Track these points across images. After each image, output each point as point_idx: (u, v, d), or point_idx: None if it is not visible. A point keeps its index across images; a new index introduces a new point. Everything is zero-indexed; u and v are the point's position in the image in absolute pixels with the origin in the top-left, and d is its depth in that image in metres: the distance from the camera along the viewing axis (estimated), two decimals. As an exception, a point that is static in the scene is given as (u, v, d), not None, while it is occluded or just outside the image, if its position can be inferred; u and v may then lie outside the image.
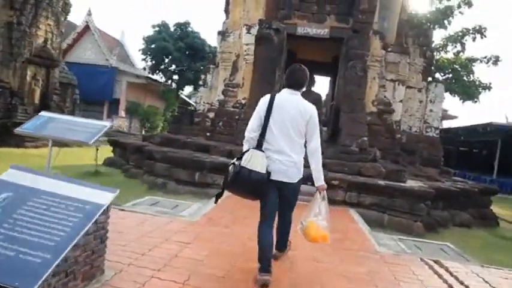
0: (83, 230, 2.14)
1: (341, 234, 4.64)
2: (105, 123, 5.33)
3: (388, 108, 9.52)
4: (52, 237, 2.06)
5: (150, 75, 28.72)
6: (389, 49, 9.67)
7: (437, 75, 21.32)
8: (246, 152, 2.87)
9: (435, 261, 3.80)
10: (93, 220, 2.23)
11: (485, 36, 21.35)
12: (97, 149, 9.30)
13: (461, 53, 22.10)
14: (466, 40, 21.58)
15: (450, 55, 22.51)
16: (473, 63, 21.96)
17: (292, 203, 3.12)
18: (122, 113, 26.45)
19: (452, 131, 22.50)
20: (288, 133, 2.90)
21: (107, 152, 11.16)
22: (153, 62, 29.31)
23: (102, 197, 2.39)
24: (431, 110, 10.41)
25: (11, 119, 12.61)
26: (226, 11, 11.26)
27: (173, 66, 29.61)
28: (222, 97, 9.89)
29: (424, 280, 3.29)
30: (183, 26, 29.78)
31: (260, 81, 8.53)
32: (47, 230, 2.10)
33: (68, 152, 11.79)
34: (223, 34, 10.53)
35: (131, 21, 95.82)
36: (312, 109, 2.98)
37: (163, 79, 30.06)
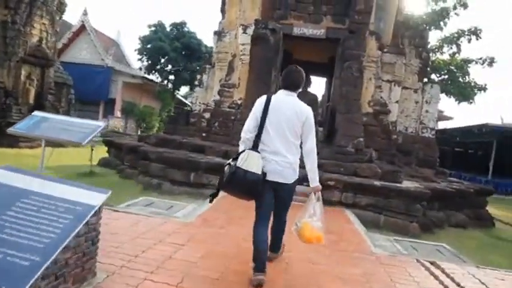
0: (74, 232, 2.09)
1: (337, 235, 4.62)
2: (99, 124, 5.28)
3: (384, 109, 9.51)
4: (41, 239, 2.01)
5: (146, 75, 28.61)
6: (385, 50, 9.67)
7: (433, 76, 21.42)
8: (241, 152, 2.87)
9: (431, 263, 3.78)
10: (84, 222, 2.18)
11: (480, 38, 21.45)
12: (92, 150, 9.23)
13: (456, 54, 22.20)
14: (461, 41, 21.69)
15: (446, 56, 22.61)
16: (469, 65, 22.06)
17: (287, 204, 3.12)
18: (118, 113, 26.32)
19: (447, 131, 22.58)
20: (283, 134, 2.91)
21: (102, 152, 11.10)
22: (149, 62, 29.20)
23: (94, 198, 2.34)
24: (427, 111, 10.41)
25: (5, 119, 12.49)
26: (223, 11, 11.21)
27: (169, 67, 29.51)
28: (217, 97, 9.85)
29: (420, 282, 3.27)
30: (179, 26, 29.69)
31: (256, 82, 8.49)
32: (36, 232, 2.05)
33: (62, 152, 11.71)
34: (219, 34, 10.49)
35: (127, 21, 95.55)
36: (308, 111, 2.99)
37: (160, 79, 29.95)
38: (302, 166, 3.04)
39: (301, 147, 3.03)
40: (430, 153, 9.99)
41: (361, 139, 8.00)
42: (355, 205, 6.46)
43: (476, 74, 52.25)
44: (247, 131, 2.96)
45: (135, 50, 29.50)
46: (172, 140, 9.05)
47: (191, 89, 27.48)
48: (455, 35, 21.68)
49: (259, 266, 2.83)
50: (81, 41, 25.70)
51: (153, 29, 29.29)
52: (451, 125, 25.45)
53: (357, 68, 8.48)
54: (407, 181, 7.49)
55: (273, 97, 3.00)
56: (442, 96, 19.82)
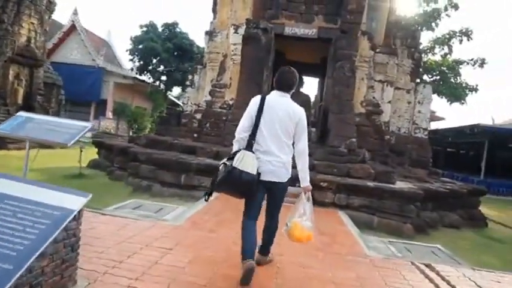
0: (50, 238, 1.97)
1: (329, 237, 4.53)
2: (86, 124, 5.11)
3: (376, 109, 9.47)
4: (15, 247, 1.88)
5: (138, 76, 28.35)
6: (377, 50, 9.63)
7: (425, 77, 21.53)
8: (237, 152, 2.89)
9: (426, 265, 3.70)
10: (62, 227, 2.05)
11: (471, 39, 21.63)
12: (81, 151, 9.06)
13: (448, 55, 22.36)
14: (453, 42, 21.85)
15: (438, 57, 22.77)
16: (460, 66, 22.23)
17: (279, 203, 3.14)
18: (109, 114, 26.03)
19: (439, 132, 22.69)
20: (276, 134, 2.95)
21: (92, 153, 10.91)
22: (141, 62, 28.93)
23: (73, 202, 2.21)
24: (419, 111, 10.39)
25: (-8, 120, 12.24)
26: (214, 11, 11.11)
27: (161, 67, 29.28)
28: (209, 98, 9.73)
29: (415, 285, 3.19)
30: (171, 27, 29.48)
31: (247, 82, 8.40)
32: (9, 239, 1.91)
33: (52, 154, 11.51)
34: (210, 34, 10.38)
35: (118, 21, 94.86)
36: (301, 112, 3.04)
37: (151, 80, 29.70)
38: (294, 166, 3.06)
39: (293, 147, 3.07)
40: (423, 153, 9.96)
41: (354, 139, 7.94)
42: (348, 206, 6.39)
43: (467, 75, 52.74)
44: (242, 130, 2.99)
45: (127, 51, 29.23)
46: (163, 141, 8.91)
47: (183, 90, 27.26)
48: (447, 36, 21.84)
49: (248, 253, 2.83)
50: (71, 41, 25.38)
51: (144, 29, 29.05)
52: (443, 125, 25.62)
53: (349, 67, 8.42)
54: (400, 182, 7.44)
55: (267, 97, 3.04)
56: (434, 96, 19.94)
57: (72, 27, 25.13)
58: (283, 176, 3.00)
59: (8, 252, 1.84)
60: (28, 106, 13.97)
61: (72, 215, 2.14)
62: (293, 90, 3.15)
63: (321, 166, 7.13)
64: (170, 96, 31.68)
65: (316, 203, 6.11)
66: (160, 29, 29.49)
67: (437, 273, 3.45)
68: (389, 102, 9.91)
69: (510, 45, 71.11)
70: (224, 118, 8.95)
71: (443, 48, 22.25)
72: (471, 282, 3.31)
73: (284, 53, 11.13)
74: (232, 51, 9.33)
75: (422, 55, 17.86)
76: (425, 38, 22.56)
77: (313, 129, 9.87)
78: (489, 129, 18.44)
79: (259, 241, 3.14)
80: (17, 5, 13.21)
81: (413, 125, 10.38)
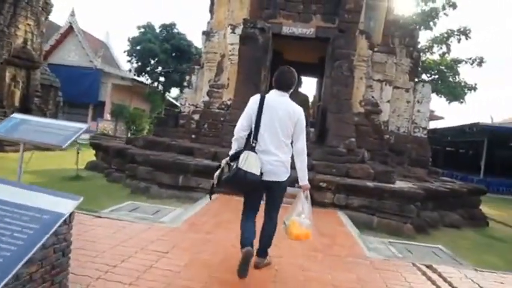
0: (38, 244, 1.89)
1: (329, 238, 4.46)
2: (81, 126, 5.04)
3: (375, 109, 9.41)
4: (1, 253, 1.80)
5: (136, 77, 28.26)
6: (375, 49, 9.57)
7: (423, 76, 21.50)
8: (240, 152, 2.94)
9: (427, 266, 3.63)
10: (51, 232, 1.97)
11: (469, 38, 21.62)
12: (78, 153, 8.97)
13: (446, 54, 22.34)
14: (451, 41, 21.83)
15: (436, 56, 22.75)
16: (459, 65, 22.20)
17: (278, 202, 3.16)
18: (107, 116, 25.93)
19: (438, 131, 22.64)
20: (276, 133, 2.98)
21: (89, 155, 10.83)
22: (139, 63, 28.83)
23: (64, 205, 2.14)
24: (418, 111, 10.33)
25: (-11, 123, 12.13)
26: (211, 11, 11.04)
27: (159, 68, 29.19)
28: (207, 98, 9.65)
29: (417, 287, 3.12)
30: (168, 28, 29.38)
31: (245, 82, 8.33)
32: (-4, 244, 1.84)
33: (48, 155, 11.43)
34: (207, 34, 10.30)
35: (116, 22, 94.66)
36: (300, 111, 3.07)
37: (150, 81, 29.61)
38: (293, 167, 3.10)
39: (292, 146, 3.10)
40: (423, 152, 9.89)
41: (353, 139, 7.87)
42: (347, 206, 6.32)
43: (466, 74, 52.76)
44: (241, 129, 3.03)
45: (124, 52, 29.15)
46: (160, 142, 8.83)
47: (181, 91, 27.22)
48: (445, 35, 21.82)
49: (247, 242, 2.93)
50: (69, 42, 25.28)
51: (142, 30, 28.94)
52: (442, 124, 25.60)
53: (347, 67, 8.36)
54: (400, 181, 7.37)
55: (267, 96, 3.08)
56: (433, 96, 19.85)
57: (70, 29, 25.03)
58: (282, 175, 3.02)
59: (-6, 259, 1.77)
60: (25, 108, 13.90)
61: (62, 219, 2.06)
62: (292, 90, 3.18)
63: (320, 166, 7.06)
64: (168, 98, 31.62)
65: (315, 203, 6.07)
66: (158, 30, 29.40)
67: (439, 275, 3.38)
68: (388, 101, 9.84)
69: (508, 44, 71.21)
70: (222, 119, 8.87)
71: (441, 48, 22.24)
72: (474, 284, 3.24)
73: (282, 52, 11.06)
74: (230, 51, 9.27)
75: (421, 54, 17.85)
76: (424, 37, 22.59)
77: (312, 129, 9.80)
78: (488, 128, 18.41)
79: (256, 244, 3.12)
80: (13, 6, 13.14)
81: (413, 124, 10.31)
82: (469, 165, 21.69)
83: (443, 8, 21.51)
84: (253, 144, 2.96)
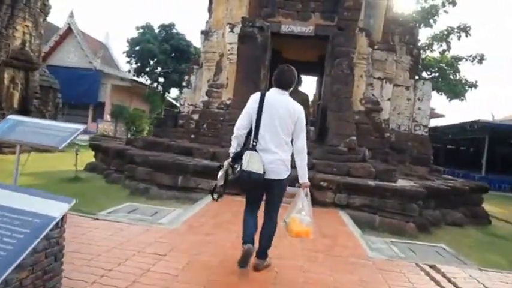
0: (28, 249, 1.82)
1: (331, 239, 4.38)
2: (77, 127, 4.98)
3: (376, 107, 9.33)
4: (-10, 258, 1.74)
5: (135, 78, 28.21)
6: (375, 47, 9.49)
7: (423, 74, 21.42)
8: (241, 152, 2.96)
9: (431, 266, 3.55)
10: (42, 236, 1.90)
11: (470, 35, 21.55)
12: (76, 154, 8.91)
13: (446, 52, 22.25)
14: (451, 39, 21.75)
15: (436, 54, 22.67)
16: (459, 62, 22.12)
17: (278, 200, 3.15)
18: (107, 117, 25.90)
19: (439, 129, 22.55)
20: (276, 132, 2.99)
21: (89, 156, 10.77)
22: (138, 64, 28.79)
23: (55, 208, 2.07)
24: (419, 108, 10.25)
25: (-12, 125, 12.06)
26: (210, 10, 10.96)
27: (159, 69, 29.13)
28: (206, 98, 9.59)
29: (421, 288, 3.05)
30: (167, 28, 29.33)
31: (244, 81, 8.25)
32: (-16, 250, 1.78)
33: (47, 157, 11.37)
34: (206, 34, 10.23)
35: (115, 23, 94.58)
36: (300, 110, 3.08)
37: (149, 82, 29.56)
38: (294, 166, 3.10)
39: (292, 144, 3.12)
40: (424, 150, 9.81)
41: (354, 137, 7.79)
42: (349, 206, 6.24)
43: (466, 71, 52.63)
44: (241, 127, 3.05)
45: (124, 53, 29.11)
46: (160, 142, 8.77)
47: (181, 91, 27.18)
48: (445, 32, 21.74)
49: (247, 239, 3.01)
50: (68, 44, 25.26)
51: (141, 31, 28.90)
52: (443, 122, 25.50)
53: (347, 65, 8.28)
54: (402, 180, 7.29)
55: (267, 94, 3.09)
56: (433, 93, 19.77)
57: (69, 30, 25.01)
58: (282, 173, 3.03)
59: (-18, 265, 1.70)
60: (24, 110, 13.83)
61: (54, 223, 1.99)
62: (292, 88, 3.19)
63: (321, 165, 6.98)
64: (168, 98, 31.57)
65: (316, 203, 6.01)
66: (157, 31, 29.36)
67: (443, 275, 3.31)
68: (389, 99, 9.77)
69: (509, 40, 71.05)
70: (221, 118, 8.80)
71: (441, 45, 22.16)
72: (479, 284, 3.17)
73: (281, 51, 10.99)
74: (229, 50, 9.19)
75: (421, 52, 17.77)
76: (424, 35, 22.49)
77: (312, 128, 9.73)
78: (489, 126, 18.33)
79: (256, 245, 3.10)
80: (11, 7, 13.05)
81: (414, 122, 10.23)
82: (470, 162, 21.60)
83: (443, 5, 21.44)
84: (254, 143, 2.97)
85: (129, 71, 28.80)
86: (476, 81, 21.79)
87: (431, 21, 21.70)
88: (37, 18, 14.43)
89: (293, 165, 3.11)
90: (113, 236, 3.67)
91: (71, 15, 24.68)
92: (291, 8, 9.09)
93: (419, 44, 15.95)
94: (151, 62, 28.71)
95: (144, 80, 29.32)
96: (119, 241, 3.48)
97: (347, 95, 8.24)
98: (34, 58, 14.47)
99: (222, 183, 3.02)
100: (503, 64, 74.01)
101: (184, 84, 11.25)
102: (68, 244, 3.17)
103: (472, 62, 21.81)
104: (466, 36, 21.40)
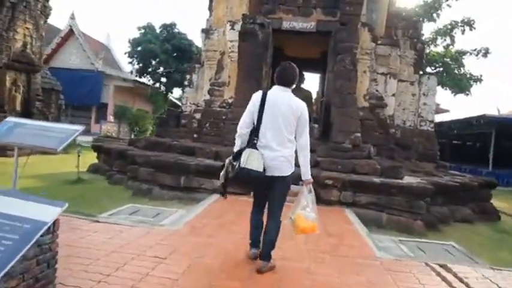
0: (17, 256, 1.73)
1: (337, 238, 4.26)
2: (76, 128, 4.89)
3: (380, 103, 9.19)
4: (-24, 267, 1.64)
5: (138, 79, 28.17)
6: (379, 42, 9.33)
7: (427, 69, 21.17)
8: (242, 150, 2.95)
9: (441, 266, 3.42)
10: (31, 242, 1.81)
11: (474, 28, 21.26)
12: (78, 156, 8.83)
13: (450, 46, 21.99)
14: (455, 33, 21.49)
15: (440, 48, 22.42)
16: (463, 56, 21.85)
17: (281, 198, 3.12)
18: (110, 118, 25.90)
19: (445, 124, 22.30)
20: (279, 129, 2.99)
21: (92, 158, 10.71)
22: (140, 64, 28.74)
23: (46, 212, 1.97)
24: (424, 103, 10.08)
25: (-10, 128, 12.03)
26: (210, 8, 10.86)
27: (161, 69, 29.08)
28: (208, 97, 9.49)
29: (432, 289, 2.93)
30: (169, 28, 29.24)
31: (246, 79, 8.14)
32: (-29, 258, 1.68)
33: (50, 159, 11.33)
34: (207, 32, 10.12)
35: (116, 24, 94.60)
36: (303, 106, 3.08)
37: (151, 82, 29.51)
38: (297, 164, 3.09)
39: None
40: (430, 146, 9.65)
41: (358, 134, 7.65)
42: (354, 204, 6.12)
43: (471, 65, 52.15)
44: (244, 126, 3.06)
45: (125, 53, 29.06)
46: (162, 142, 8.68)
47: (183, 91, 27.11)
48: (449, 26, 21.48)
49: (253, 243, 3.20)
50: (69, 45, 25.25)
51: (142, 31, 28.84)
52: (448, 117, 25.24)
53: (350, 60, 8.13)
54: (408, 176, 7.15)
55: (269, 92, 3.10)
56: (438, 88, 19.56)
57: (70, 32, 25.00)
58: (285, 170, 3.02)
59: (-32, 275, 1.60)
60: (27, 112, 13.81)
61: (44, 228, 1.90)
62: (294, 85, 3.19)
63: (325, 163, 6.86)
64: (171, 98, 31.49)
65: (321, 201, 5.88)
66: (158, 30, 29.28)
67: (455, 275, 3.18)
68: (393, 95, 9.62)
69: (512, 34, 70.28)
70: (224, 117, 8.70)
71: (445, 39, 21.90)
72: (492, 284, 3.04)
73: (283, 48, 10.86)
74: (230, 48, 9.08)
75: (425, 47, 17.56)
76: (427, 30, 22.22)
77: (316, 126, 9.60)
78: (495, 120, 18.09)
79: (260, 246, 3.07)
80: (12, 10, 13.02)
81: (419, 118, 10.07)
82: (477, 157, 21.34)
83: (446, -1, 21.17)
84: (255, 141, 2.98)
85: (131, 72, 28.78)
86: (481, 76, 21.55)
87: (434, 15, 21.45)
88: (38, 20, 14.39)
89: (297, 164, 3.08)
90: (113, 239, 3.57)
91: (72, 17, 24.66)
92: (292, 3, 8.95)
93: (423, 38, 15.76)
94: (153, 62, 28.65)
95: (146, 80, 29.28)
96: (118, 244, 3.39)
97: (350, 91, 8.10)
98: (35, 60, 14.44)
99: (223, 181, 3.03)
100: (509, 57, 73.30)
101: (186, 83, 11.16)
102: (66, 248, 3.09)
103: (476, 56, 21.55)
104: (470, 29, 21.14)
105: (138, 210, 5.40)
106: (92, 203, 6.09)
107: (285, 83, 3.12)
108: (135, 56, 28.58)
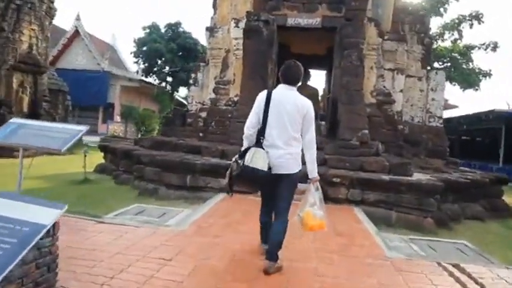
0: (15, 260, 1.67)
1: (345, 237, 4.17)
2: (80, 128, 4.86)
3: (388, 99, 9.05)
4: (-28, 273, 1.59)
5: (144, 78, 28.24)
6: (385, 37, 9.19)
7: (435, 64, 20.89)
8: (247, 149, 2.97)
9: (454, 266, 3.32)
10: (30, 246, 1.75)
11: (482, 22, 20.94)
12: (85, 156, 8.83)
13: (458, 41, 21.68)
14: (463, 27, 21.18)
15: (448, 43, 22.11)
16: (472, 51, 21.53)
17: (288, 197, 3.09)
18: (117, 118, 26.02)
19: (453, 120, 21.99)
20: (285, 128, 3.00)
21: (99, 158, 10.72)
22: (146, 64, 28.83)
23: (46, 215, 1.92)
24: (433, 99, 9.92)
25: None
26: (214, 6, 10.80)
27: (166, 68, 29.12)
28: (213, 95, 9.43)
29: (445, 291, 2.83)
30: (174, 27, 29.29)
31: (251, 76, 8.05)
32: (-32, 263, 1.63)
33: (57, 159, 11.38)
34: (211, 30, 10.06)
35: (122, 24, 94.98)
36: (308, 104, 3.08)
37: (157, 81, 29.58)
38: (304, 162, 3.10)
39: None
40: (439, 142, 9.49)
41: (366, 131, 7.53)
42: (363, 202, 6.01)
43: (479, 60, 51.42)
44: (250, 126, 3.08)
45: (131, 53, 29.18)
46: (167, 141, 8.64)
47: (189, 90, 27.10)
48: (456, 20, 21.17)
49: (263, 239, 3.26)
50: (75, 46, 25.40)
51: (147, 30, 28.92)
52: (456, 113, 24.90)
53: (356, 56, 8.00)
54: (417, 173, 7.02)
55: (273, 92, 3.11)
56: (446, 84, 19.30)
57: (76, 33, 25.14)
58: (292, 168, 3.03)
59: (-37, 280, 1.55)
60: (34, 113, 13.87)
61: (44, 231, 1.84)
62: (299, 83, 3.22)
63: (333, 160, 6.76)
64: (177, 97, 31.55)
65: (329, 199, 5.80)
66: (163, 30, 29.35)
67: (469, 276, 3.07)
68: (401, 90, 9.47)
69: (521, 28, 69.16)
70: (229, 115, 8.62)
71: (453, 34, 21.59)
72: (509, 285, 2.92)
73: (288, 45, 10.75)
74: (234, 46, 9.01)
75: (432, 41, 17.31)
76: (434, 25, 21.91)
77: (323, 123, 9.49)
78: (505, 115, 17.76)
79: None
80: (17, 12, 13.08)
81: (427, 114, 9.91)
82: (486, 153, 21.00)
83: (453, -8, 20.87)
84: (261, 140, 3.00)
85: (137, 72, 28.87)
86: (490, 70, 21.21)
87: (441, 10, 21.16)
88: (43, 22, 14.44)
89: (304, 162, 3.08)
90: (117, 240, 3.52)
91: (78, 18, 24.78)
92: (297, 0, 8.84)
93: (430, 33, 15.53)
94: (159, 62, 28.73)
95: (152, 79, 29.38)
96: (123, 245, 3.33)
97: (357, 88, 7.98)
98: (41, 61, 14.49)
99: (228, 179, 3.05)
100: (518, 51, 72.10)
101: (191, 82, 11.11)
102: (70, 250, 3.05)
103: (485, 50, 21.21)
104: (479, 23, 20.81)
105: (144, 210, 5.35)
106: (98, 203, 6.07)
107: (290, 81, 3.13)
108: (141, 55, 28.68)
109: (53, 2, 15.03)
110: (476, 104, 61.50)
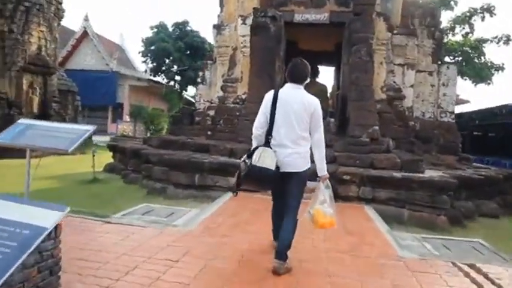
0: (15, 264, 1.62)
1: (356, 236, 4.07)
2: (87, 128, 4.84)
3: (398, 95, 8.89)
4: (-29, 278, 1.55)
5: (152, 78, 28.34)
6: (395, 31, 9.02)
7: (446, 58, 20.53)
8: (255, 149, 2.97)
9: (470, 266, 3.20)
10: (31, 249, 1.70)
11: (494, 15, 20.51)
12: (93, 155, 8.86)
13: (470, 34, 21.28)
14: (474, 20, 20.79)
15: (459, 37, 21.71)
16: (484, 44, 21.11)
17: (297, 195, 3.07)
18: (126, 117, 26.14)
19: (465, 115, 21.63)
20: (292, 127, 2.99)
21: (108, 157, 10.76)
22: (154, 63, 28.90)
23: (47, 217, 1.87)
24: (444, 94, 9.71)
25: (9, 130, 12.22)
26: (221, 3, 10.72)
27: (175, 67, 29.17)
28: (221, 93, 9.37)
29: (461, 292, 2.72)
30: (181, 26, 29.29)
31: (259, 74, 7.96)
32: (-33, 267, 1.58)
33: (67, 159, 11.45)
34: (218, 28, 9.99)
35: (129, 24, 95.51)
36: (316, 102, 3.07)
37: (166, 80, 29.65)
38: (313, 160, 3.09)
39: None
40: (452, 138, 9.29)
41: (376, 127, 7.39)
42: (374, 200, 5.90)
43: (492, 53, 50.44)
44: (258, 127, 3.08)
45: (139, 53, 29.26)
46: (175, 140, 8.60)
47: (197, 88, 27.09)
48: (467, 13, 20.78)
49: (276, 237, 3.21)
50: (84, 47, 25.57)
51: (155, 30, 28.96)
52: (468, 108, 24.48)
53: (365, 51, 7.86)
54: (429, 170, 6.87)
55: (280, 91, 3.11)
56: (458, 79, 18.94)
57: (84, 34, 25.30)
58: (300, 166, 3.02)
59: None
60: (44, 114, 13.98)
61: (44, 234, 1.79)
62: (306, 81, 3.18)
63: (342, 158, 6.64)
64: (186, 96, 31.60)
65: (339, 197, 5.71)
66: (170, 29, 29.36)
67: (486, 276, 2.96)
68: (412, 86, 9.29)
69: (535, 20, 67.65)
70: (237, 113, 8.56)
71: (464, 28, 21.20)
72: (528, 285, 2.81)
73: (296, 42, 10.62)
74: (242, 43, 8.93)
75: (443, 35, 16.99)
76: (445, 18, 21.58)
77: (332, 120, 9.36)
78: (519, 109, 17.40)
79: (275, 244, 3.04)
80: (25, 13, 13.17)
81: (439, 109, 9.70)
82: (499, 149, 20.60)
83: (464, -15, 20.50)
84: (269, 140, 3.00)
85: (146, 71, 28.97)
86: (503, 64, 20.78)
87: (451, 3, 20.78)
88: (51, 23, 14.52)
89: (313, 160, 3.08)
90: (124, 240, 3.48)
91: (86, 19, 24.93)
92: (304, -5, 8.71)
93: (440, 26, 15.25)
94: (167, 61, 28.77)
95: (160, 79, 29.44)
96: (129, 246, 3.29)
97: (367, 83, 7.84)
98: (51, 62, 14.60)
99: (236, 179, 3.04)
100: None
101: (199, 80, 11.06)
102: (76, 251, 3.02)
103: (497, 43, 20.78)
104: (491, 16, 20.40)
105: (152, 210, 5.32)
106: (107, 202, 6.06)
107: (297, 79, 3.11)
108: (149, 55, 28.75)
109: (61, 3, 15.12)
110: (489, 99, 60.39)
